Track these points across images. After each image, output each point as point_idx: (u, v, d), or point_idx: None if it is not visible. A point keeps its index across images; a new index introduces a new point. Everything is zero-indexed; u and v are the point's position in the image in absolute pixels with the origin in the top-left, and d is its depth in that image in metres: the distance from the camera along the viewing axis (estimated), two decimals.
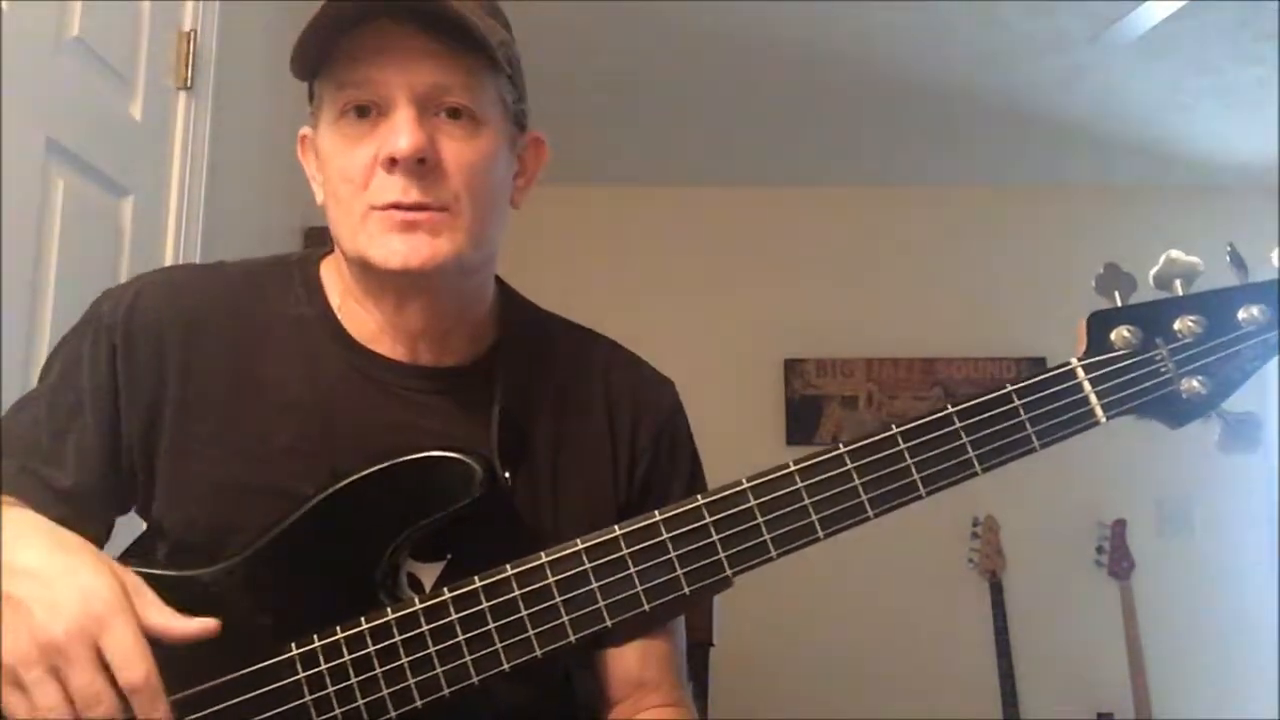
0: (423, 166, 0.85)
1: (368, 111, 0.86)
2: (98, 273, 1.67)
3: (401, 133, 0.84)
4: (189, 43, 1.93)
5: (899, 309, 4.08)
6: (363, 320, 0.94)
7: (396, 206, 0.85)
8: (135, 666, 0.72)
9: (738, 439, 3.39)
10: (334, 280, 0.97)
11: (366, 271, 0.89)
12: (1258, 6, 2.83)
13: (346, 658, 0.80)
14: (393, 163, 0.84)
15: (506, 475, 0.89)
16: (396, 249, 0.85)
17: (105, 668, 0.71)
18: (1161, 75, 3.24)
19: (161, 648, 0.75)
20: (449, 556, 0.87)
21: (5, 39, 1.42)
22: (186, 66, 1.92)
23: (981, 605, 3.54)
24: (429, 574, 0.87)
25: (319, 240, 2.54)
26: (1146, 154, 3.81)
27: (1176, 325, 0.83)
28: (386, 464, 0.84)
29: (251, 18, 2.16)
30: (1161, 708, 3.38)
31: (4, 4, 1.43)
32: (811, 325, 4.07)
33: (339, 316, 0.95)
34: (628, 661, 0.96)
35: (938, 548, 3.68)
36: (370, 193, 0.86)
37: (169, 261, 1.87)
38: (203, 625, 0.77)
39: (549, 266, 3.54)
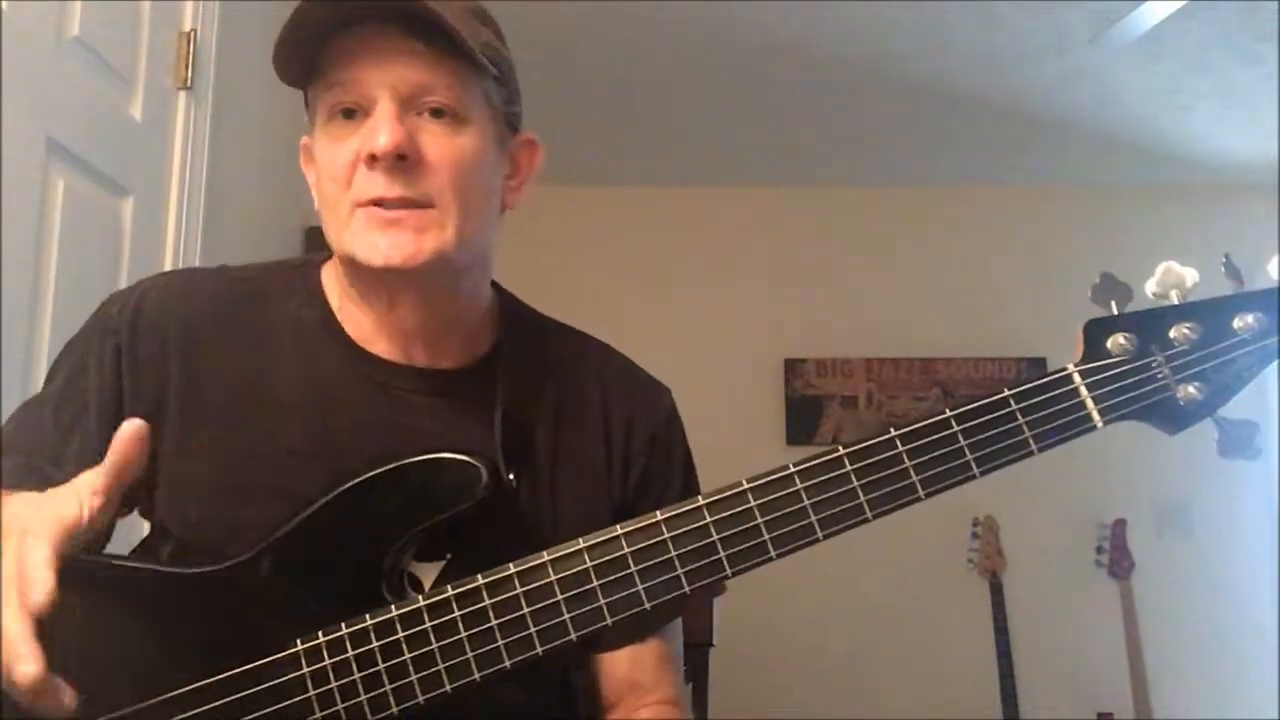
0: (404, 163, 0.86)
1: (353, 113, 0.88)
2: (98, 273, 1.67)
3: (381, 130, 0.85)
4: (189, 43, 1.93)
5: (899, 309, 4.08)
6: (359, 321, 0.95)
7: (379, 202, 0.86)
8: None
9: (738, 439, 3.39)
10: (334, 283, 0.97)
11: (356, 271, 0.90)
12: (1257, 6, 2.83)
13: (350, 653, 0.81)
14: (373, 159, 0.85)
15: (511, 478, 0.89)
16: (380, 247, 0.86)
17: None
18: (1161, 75, 3.24)
19: (171, 643, 0.76)
20: (448, 556, 0.88)
21: (5, 39, 1.42)
22: (186, 66, 1.92)
23: (981, 605, 3.54)
24: (428, 573, 0.88)
25: (319, 240, 2.55)
26: (1146, 154, 3.81)
27: (1172, 333, 0.84)
28: (394, 465, 0.85)
29: (251, 18, 2.16)
30: (1161, 708, 3.38)
31: (4, 4, 1.44)
32: (811, 325, 4.07)
33: (339, 318, 0.96)
34: (621, 665, 0.97)
35: (938, 548, 3.68)
36: (353, 189, 0.87)
37: (169, 262, 1.87)
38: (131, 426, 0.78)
39: (549, 267, 3.55)
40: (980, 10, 2.90)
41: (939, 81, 3.32)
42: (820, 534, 0.81)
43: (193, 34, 1.94)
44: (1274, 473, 3.74)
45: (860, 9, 2.91)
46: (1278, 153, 3.65)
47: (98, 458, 0.90)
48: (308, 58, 0.88)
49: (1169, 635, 3.58)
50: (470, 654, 0.80)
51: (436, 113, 0.88)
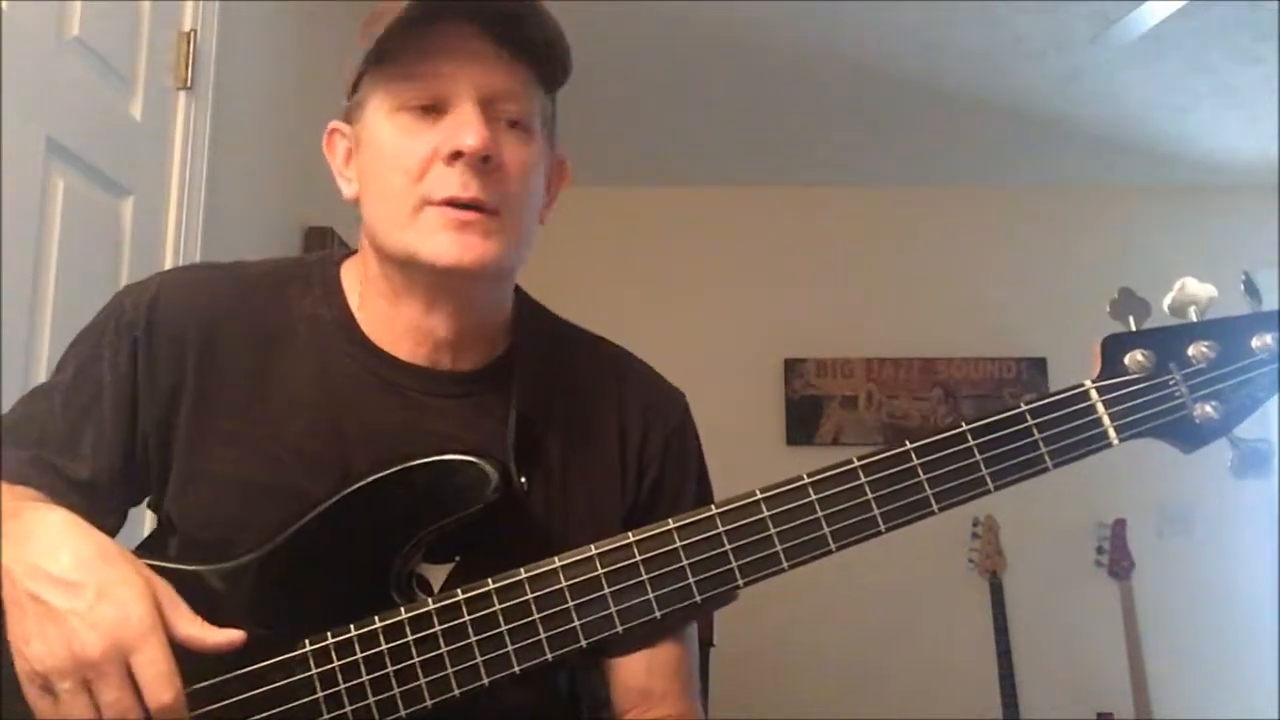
0: (485, 165, 0.85)
1: (429, 109, 0.87)
2: (98, 273, 1.67)
3: (469, 130, 0.84)
4: (189, 43, 1.92)
5: (899, 309, 4.08)
6: (382, 322, 0.94)
7: (453, 202, 0.85)
8: (164, 689, 0.74)
9: (738, 439, 3.39)
10: (354, 282, 0.97)
11: (404, 268, 0.89)
12: (1257, 6, 2.83)
13: (358, 655, 0.81)
14: (456, 156, 0.85)
15: (523, 480, 0.89)
16: (448, 247, 0.86)
17: (135, 686, 0.74)
18: (1161, 75, 3.24)
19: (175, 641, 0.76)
20: (457, 558, 0.88)
21: (5, 39, 1.42)
22: (186, 66, 1.92)
23: (981, 605, 3.54)
24: (437, 575, 0.87)
25: (319, 240, 2.55)
26: (1146, 154, 3.81)
27: (1190, 351, 0.83)
28: (402, 466, 0.85)
29: (251, 18, 2.16)
30: (1161, 708, 3.38)
31: (4, 4, 1.43)
32: (811, 325, 4.07)
33: (357, 318, 0.95)
34: (635, 671, 0.96)
35: (938, 548, 3.68)
36: (426, 185, 0.86)
37: (169, 261, 1.87)
38: (230, 636, 0.79)
39: (549, 266, 3.54)
40: (980, 10, 2.90)
41: (939, 81, 3.32)
42: (833, 545, 0.81)
43: (193, 34, 1.93)
44: (1274, 473, 3.74)
45: (860, 9, 2.91)
46: (1278, 153, 3.65)
47: (112, 449, 0.90)
48: (391, 45, 0.87)
49: (1169, 635, 3.58)
50: (480, 658, 0.80)
51: (511, 122, 0.88)
